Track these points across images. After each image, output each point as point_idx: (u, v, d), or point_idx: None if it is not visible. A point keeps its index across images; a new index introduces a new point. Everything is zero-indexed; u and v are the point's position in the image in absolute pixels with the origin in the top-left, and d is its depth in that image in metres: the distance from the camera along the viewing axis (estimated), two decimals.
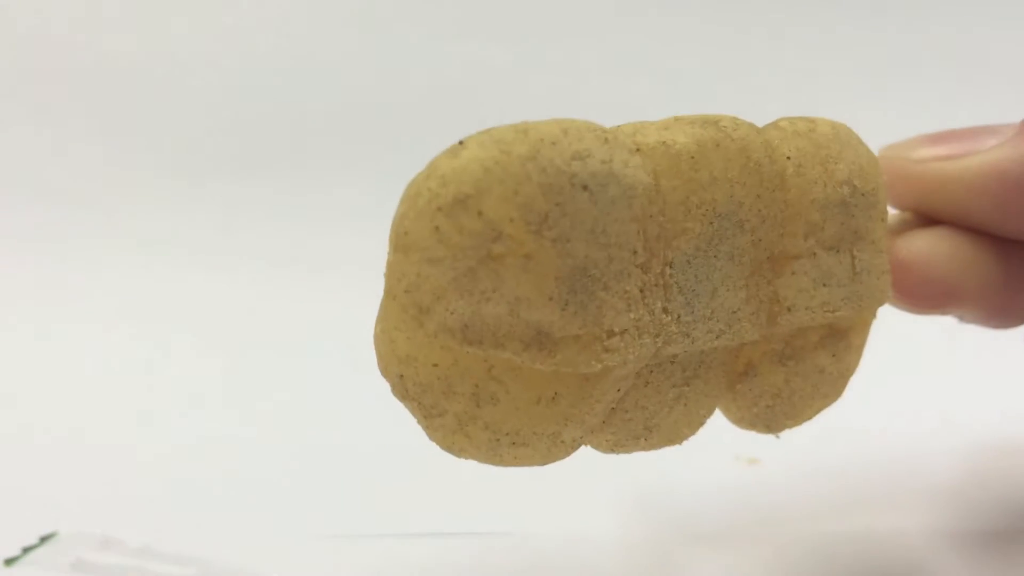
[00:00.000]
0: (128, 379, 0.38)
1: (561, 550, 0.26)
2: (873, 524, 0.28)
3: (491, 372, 0.17)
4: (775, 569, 0.26)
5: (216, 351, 0.41)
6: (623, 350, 0.17)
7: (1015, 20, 0.52)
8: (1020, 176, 0.22)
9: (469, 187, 0.16)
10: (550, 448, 0.18)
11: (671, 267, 0.18)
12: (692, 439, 0.21)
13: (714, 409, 0.21)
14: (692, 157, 0.18)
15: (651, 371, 0.19)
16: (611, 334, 0.17)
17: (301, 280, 0.46)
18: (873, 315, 0.22)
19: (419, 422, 0.18)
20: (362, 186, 0.48)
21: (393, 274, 0.17)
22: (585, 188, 0.16)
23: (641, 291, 0.17)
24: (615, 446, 0.20)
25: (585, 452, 0.20)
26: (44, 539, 0.26)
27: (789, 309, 0.20)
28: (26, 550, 0.26)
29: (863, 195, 0.21)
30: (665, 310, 0.18)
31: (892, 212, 0.25)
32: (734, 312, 0.19)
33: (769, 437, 0.22)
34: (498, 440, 0.18)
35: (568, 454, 0.19)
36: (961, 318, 0.25)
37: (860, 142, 0.22)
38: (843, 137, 0.21)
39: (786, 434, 0.22)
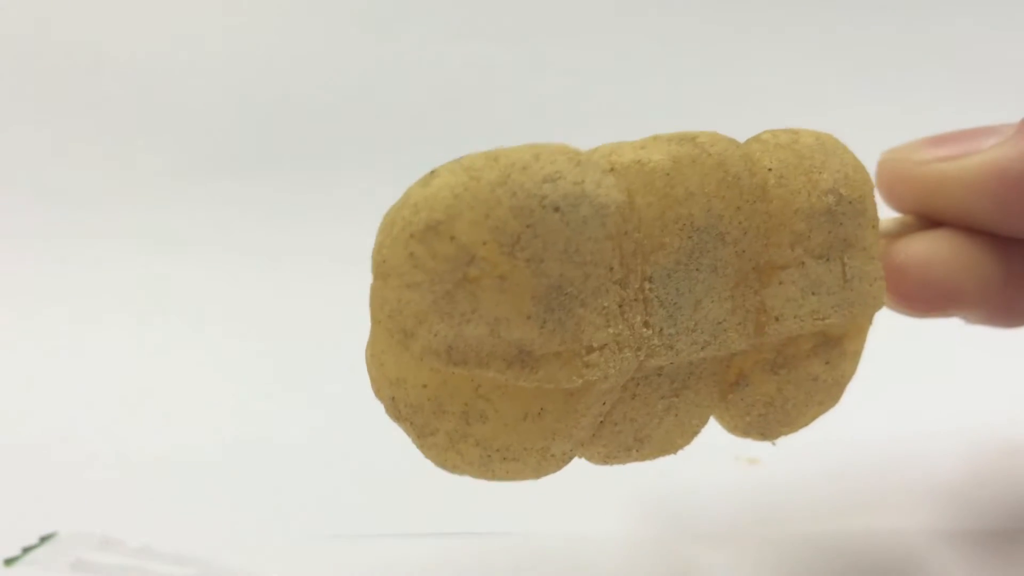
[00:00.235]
0: (128, 379, 0.38)
1: (561, 550, 0.26)
2: (873, 524, 0.28)
3: (479, 391, 0.18)
4: (775, 569, 0.26)
5: (216, 351, 0.41)
6: (603, 365, 0.18)
7: (1015, 20, 0.52)
8: (1020, 174, 0.22)
9: (440, 213, 0.16)
10: (540, 462, 0.19)
11: (650, 281, 0.18)
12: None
13: (707, 419, 0.21)
14: (667, 174, 0.19)
15: (637, 384, 0.19)
16: (591, 349, 0.17)
17: (302, 279, 0.46)
18: (869, 321, 0.22)
19: (413, 441, 0.19)
20: (364, 184, 0.48)
21: (376, 300, 0.17)
22: (556, 209, 0.17)
23: (620, 306, 0.18)
24: (607, 458, 0.20)
25: None
26: (44, 539, 0.26)
27: (777, 319, 0.20)
28: (26, 550, 0.26)
29: (850, 203, 0.21)
30: (646, 324, 0.18)
31: (893, 216, 0.25)
32: (719, 323, 0.20)
33: None
34: (489, 456, 0.18)
35: (560, 467, 0.19)
36: (966, 319, 0.25)
37: (846, 151, 0.22)
38: (827, 147, 0.21)
39: None
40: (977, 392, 0.35)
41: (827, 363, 0.22)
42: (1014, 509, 0.29)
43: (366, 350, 0.18)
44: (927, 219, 0.24)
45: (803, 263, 0.21)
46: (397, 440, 0.20)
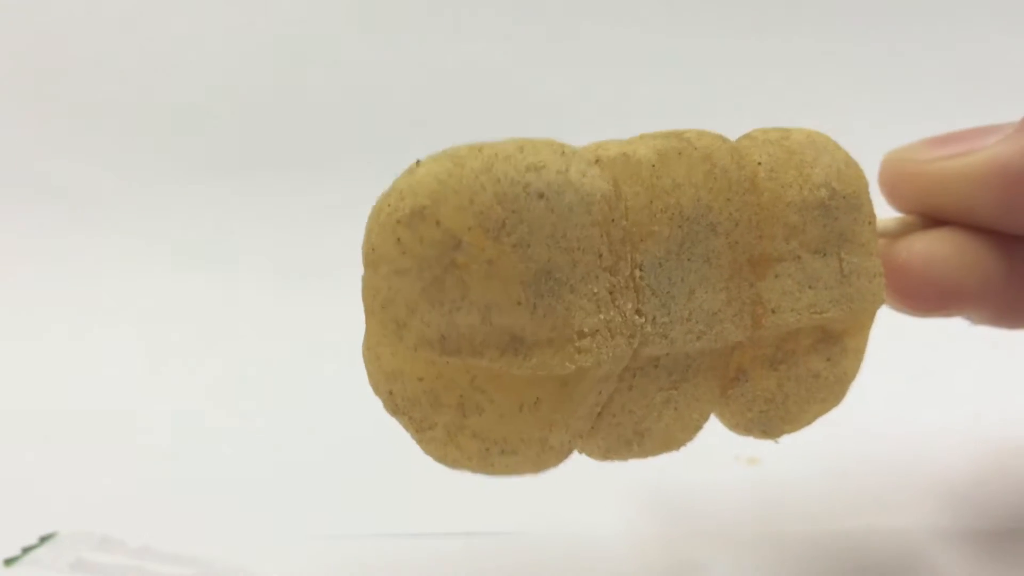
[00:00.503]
0: (128, 379, 0.38)
1: (561, 550, 0.26)
2: (873, 524, 0.28)
3: (474, 382, 0.18)
4: (775, 568, 0.25)
5: (216, 351, 0.41)
6: (596, 351, 0.18)
7: (1015, 20, 0.52)
8: (1022, 169, 0.22)
9: (425, 199, 0.16)
10: (539, 454, 0.18)
11: (641, 269, 0.19)
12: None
13: (708, 414, 0.21)
14: (653, 165, 0.19)
15: (634, 375, 0.19)
16: (582, 335, 0.17)
17: (301, 280, 0.46)
18: (871, 319, 0.22)
19: (412, 436, 0.19)
20: (363, 184, 0.48)
21: (368, 291, 0.18)
22: (541, 196, 0.17)
23: (610, 293, 0.18)
24: (607, 452, 0.20)
25: None
26: (44, 539, 0.26)
27: (774, 311, 0.20)
28: (26, 550, 0.26)
29: (844, 198, 0.21)
30: (638, 311, 0.19)
31: (896, 215, 0.25)
32: (714, 314, 0.20)
33: None
34: (488, 449, 0.18)
35: (559, 461, 0.19)
36: (970, 319, 0.25)
37: (837, 147, 0.22)
38: (819, 143, 0.22)
39: None
40: (978, 392, 0.35)
41: (828, 360, 0.22)
42: (1015, 508, 0.29)
43: (363, 345, 0.18)
44: (930, 218, 0.24)
45: (799, 257, 0.21)
46: (397, 440, 0.20)
